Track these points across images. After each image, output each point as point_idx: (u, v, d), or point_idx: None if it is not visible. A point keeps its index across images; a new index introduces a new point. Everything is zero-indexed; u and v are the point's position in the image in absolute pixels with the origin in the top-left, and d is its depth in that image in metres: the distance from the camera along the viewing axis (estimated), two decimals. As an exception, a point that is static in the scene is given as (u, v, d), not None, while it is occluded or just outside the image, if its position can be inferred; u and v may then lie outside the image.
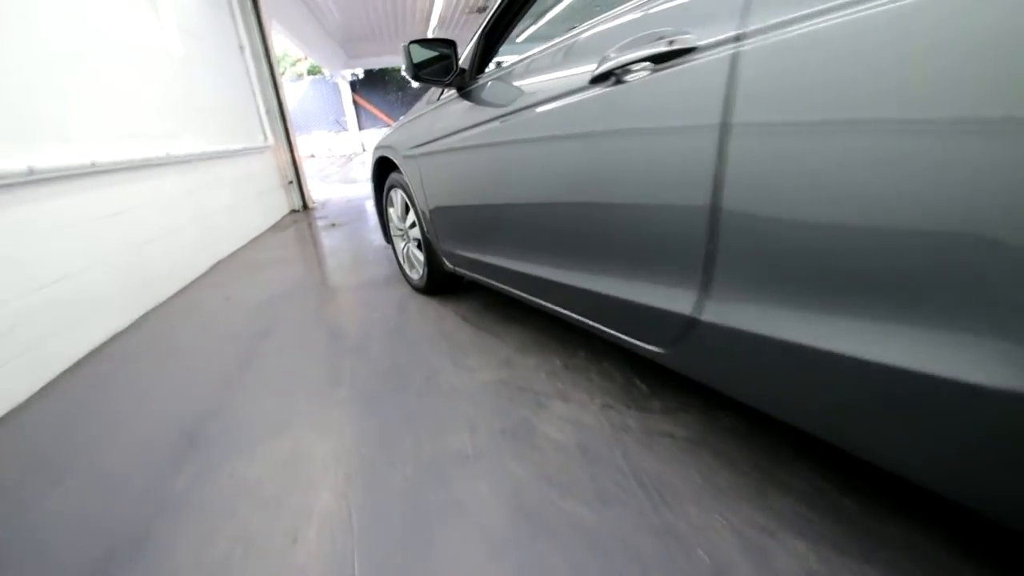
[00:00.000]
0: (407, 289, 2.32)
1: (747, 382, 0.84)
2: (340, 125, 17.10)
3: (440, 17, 9.94)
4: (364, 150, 16.66)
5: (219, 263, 3.28)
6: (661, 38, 0.77)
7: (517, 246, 1.33)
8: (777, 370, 0.75)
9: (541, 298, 1.33)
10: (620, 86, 0.86)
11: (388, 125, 17.95)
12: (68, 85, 2.11)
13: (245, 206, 4.01)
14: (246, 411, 1.41)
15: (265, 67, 4.89)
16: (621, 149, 0.88)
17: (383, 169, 2.27)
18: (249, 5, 4.72)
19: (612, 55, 0.87)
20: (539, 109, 1.09)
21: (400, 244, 2.31)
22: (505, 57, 1.58)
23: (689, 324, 0.85)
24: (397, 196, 2.15)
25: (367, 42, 12.35)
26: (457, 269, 1.81)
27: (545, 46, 1.15)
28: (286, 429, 1.30)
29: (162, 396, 1.55)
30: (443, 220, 1.75)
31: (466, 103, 1.46)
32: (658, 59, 0.78)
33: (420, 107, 1.92)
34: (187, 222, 2.99)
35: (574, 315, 1.21)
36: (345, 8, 8.97)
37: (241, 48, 4.54)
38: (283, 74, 16.66)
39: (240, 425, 1.34)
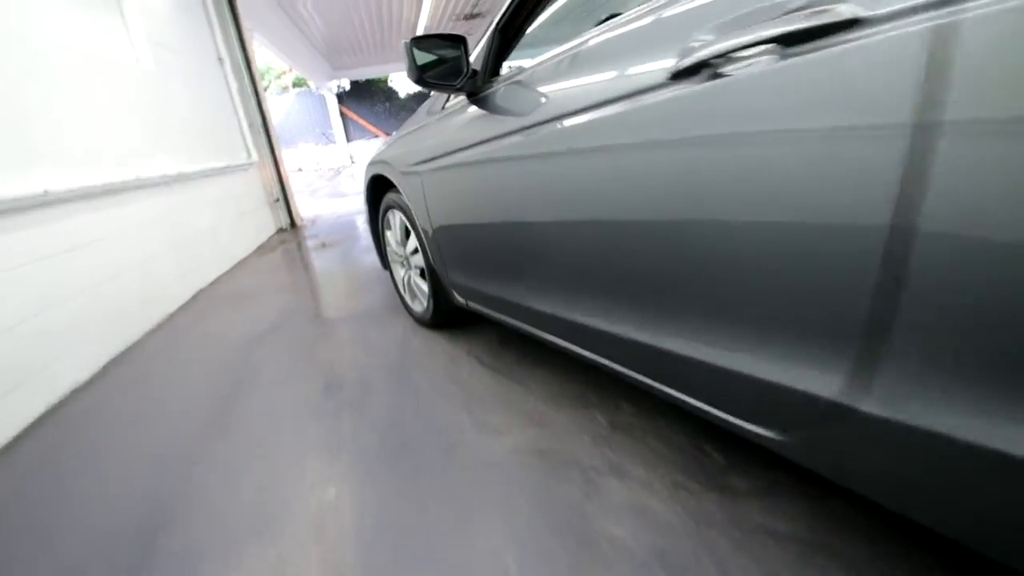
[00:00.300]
0: (409, 321, 2.07)
1: (913, 492, 0.60)
2: (327, 138, 16.81)
3: (426, 28, 9.74)
4: (353, 162, 16.37)
5: (200, 293, 3.00)
6: (798, 10, 0.53)
7: (558, 286, 1.08)
8: (976, 487, 0.52)
9: (591, 351, 1.07)
10: (721, 80, 0.62)
11: (376, 136, 17.73)
12: (13, 103, 1.84)
13: (228, 228, 3.73)
14: (221, 497, 1.14)
15: (247, 81, 4.63)
16: (726, 161, 0.63)
17: (378, 188, 2.02)
18: (228, 17, 4.47)
19: (704, 39, 0.63)
20: (584, 117, 0.85)
21: (400, 271, 2.06)
22: (519, 61, 1.35)
23: (832, 411, 0.61)
24: (395, 218, 1.90)
25: (352, 53, 12.11)
26: (471, 305, 1.56)
27: (582, 39, 0.91)
28: (270, 527, 1.03)
29: (118, 476, 1.28)
30: (454, 249, 1.50)
31: (480, 111, 1.21)
32: (791, 39, 0.54)
33: (419, 118, 1.67)
34: (162, 250, 2.71)
35: (640, 377, 0.96)
36: (329, 19, 8.73)
37: (220, 61, 4.29)
38: (267, 88, 16.42)
39: (212, 519, 1.08)
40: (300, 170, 14.05)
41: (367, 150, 16.65)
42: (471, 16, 9.01)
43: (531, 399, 1.36)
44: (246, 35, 4.65)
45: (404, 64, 1.22)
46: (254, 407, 1.53)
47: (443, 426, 1.29)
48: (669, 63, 0.68)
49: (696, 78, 0.65)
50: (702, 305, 0.74)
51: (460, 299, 1.61)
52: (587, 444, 1.14)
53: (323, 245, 4.10)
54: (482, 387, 1.47)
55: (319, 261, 3.57)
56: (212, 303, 2.79)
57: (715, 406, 0.81)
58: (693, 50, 0.64)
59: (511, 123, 1.07)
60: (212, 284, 3.19)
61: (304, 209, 6.10)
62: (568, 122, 0.89)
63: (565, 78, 0.93)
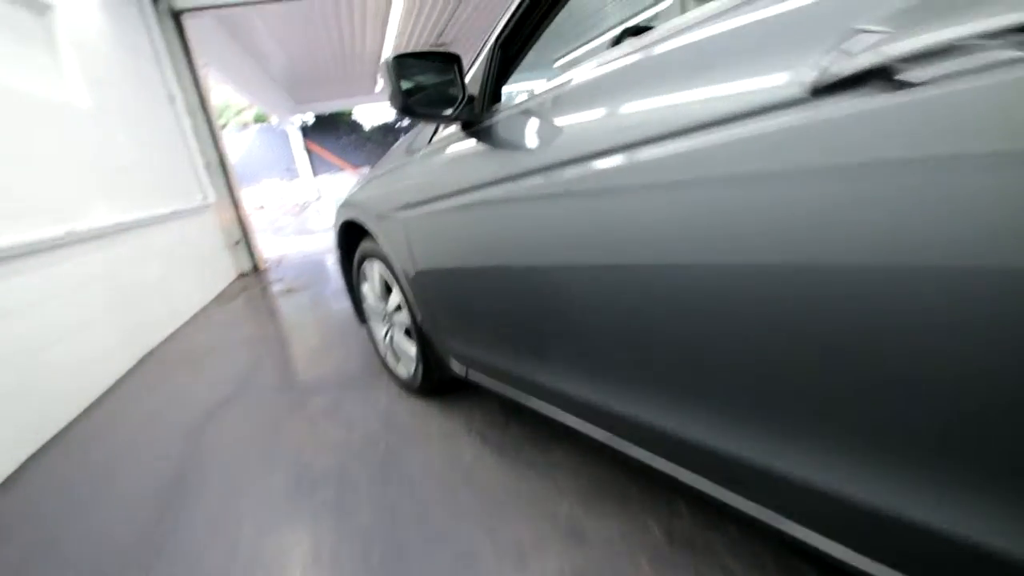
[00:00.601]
0: (392, 386, 1.77)
1: None
2: (292, 173, 16.42)
3: (391, 58, 9.61)
4: (319, 197, 15.96)
5: (149, 356, 2.63)
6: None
7: (603, 364, 0.83)
8: None
9: (656, 454, 0.81)
10: (913, 91, 0.39)
11: (342, 169, 17.45)
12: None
13: (181, 279, 3.37)
14: None
15: (202, 118, 4.33)
16: (937, 203, 0.40)
17: (352, 234, 1.75)
18: (180, 53, 4.19)
19: (875, 33, 0.41)
20: (646, 152, 0.61)
21: (380, 329, 1.77)
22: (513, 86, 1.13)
23: None
24: (374, 270, 1.63)
25: (315, 87, 11.87)
26: (473, 376, 1.29)
27: (629, 51, 0.68)
28: None
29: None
30: (450, 309, 1.24)
31: (481, 146, 0.97)
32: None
33: (398, 154, 1.43)
34: (103, 312, 2.36)
35: (731, 499, 0.70)
36: (289, 53, 8.51)
37: (171, 98, 3.98)
38: (226, 125, 16.00)
39: None
40: (261, 208, 13.52)
41: (334, 184, 16.32)
42: (437, 46, 8.93)
43: (559, 498, 1.09)
44: (199, 71, 4.37)
45: (370, 96, 0.98)
46: (200, 520, 1.21)
47: (450, 542, 1.01)
48: (805, 74, 0.45)
49: (861, 91, 0.42)
50: (856, 415, 0.50)
51: (458, 368, 1.34)
52: (644, 569, 0.87)
53: (289, 290, 3.77)
54: (492, 478, 1.19)
55: (285, 309, 3.24)
56: (161, 368, 2.43)
57: (845, 544, 0.57)
58: (848, 54, 0.42)
59: (528, 161, 0.83)
60: (164, 343, 2.82)
61: (269, 249, 5.74)
62: (619, 158, 0.66)
63: (608, 101, 0.69)
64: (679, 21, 0.63)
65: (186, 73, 4.25)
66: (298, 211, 12.51)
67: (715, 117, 0.53)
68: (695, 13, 0.60)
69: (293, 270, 4.60)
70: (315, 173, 17.10)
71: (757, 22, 0.51)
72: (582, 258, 0.77)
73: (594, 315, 0.80)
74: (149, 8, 3.90)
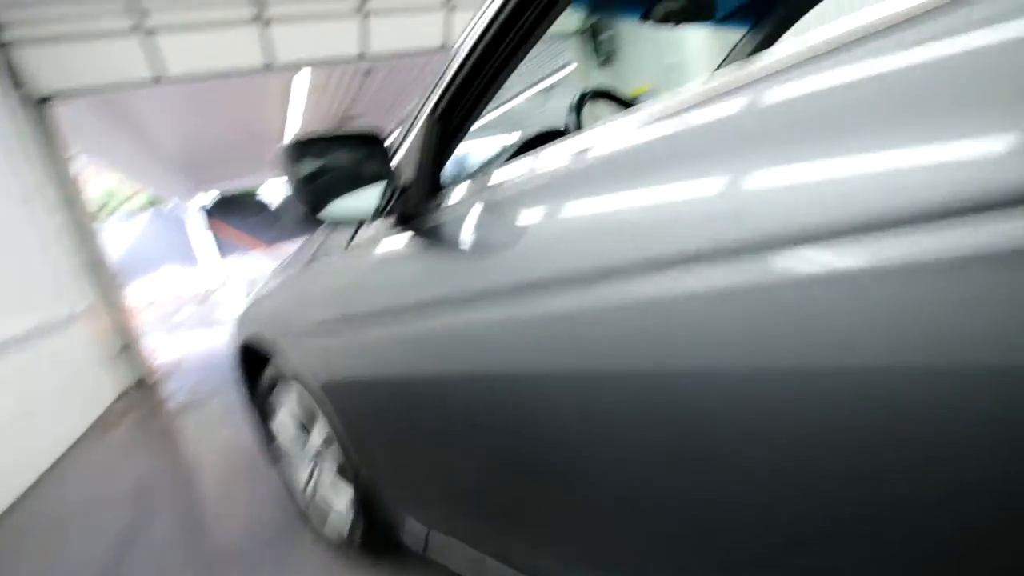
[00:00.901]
0: (321, 547, 1.36)
1: None
2: (191, 260, 15.13)
3: (296, 137, 9.31)
4: (225, 283, 14.74)
5: (-16, 530, 1.97)
6: None
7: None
8: None
9: None
10: None
11: (253, 249, 16.42)
12: None
13: (39, 414, 2.69)
14: None
15: (73, 215, 3.73)
16: None
17: (256, 353, 1.38)
18: (44, 143, 3.62)
19: None
20: (715, 270, 0.38)
21: (300, 473, 1.36)
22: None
23: None
24: (289, 398, 1.26)
25: (214, 167, 11.16)
26: (436, 549, 0.95)
27: (657, 116, 0.46)
28: None
29: None
30: (400, 456, 0.93)
31: (422, 248, 0.71)
32: None
33: (306, 253, 1.12)
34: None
35: None
36: (183, 134, 7.96)
37: (28, 196, 3.37)
38: (112, 214, 14.63)
39: None
40: (152, 303, 12.06)
41: (245, 265, 15.20)
42: (346, 119, 8.78)
43: None
44: (71, 162, 3.82)
45: (276, 173, 0.70)
46: None
47: None
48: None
49: None
50: None
51: (416, 532, 0.99)
52: None
53: (188, 405, 3.17)
54: None
55: (181, 434, 2.68)
56: (5, 548, 1.81)
57: None
58: None
59: (502, 272, 0.58)
60: (12, 507, 2.15)
61: (164, 352, 4.99)
62: (657, 276, 0.42)
63: (629, 189, 0.46)
64: (732, 79, 0.41)
65: (52, 166, 3.68)
66: (201, 300, 11.39)
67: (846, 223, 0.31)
68: (764, 64, 0.39)
69: (193, 376, 3.96)
70: (223, 255, 15.90)
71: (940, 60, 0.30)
72: (586, 397, 0.52)
73: (604, 472, 0.54)
74: (7, 96, 3.37)
